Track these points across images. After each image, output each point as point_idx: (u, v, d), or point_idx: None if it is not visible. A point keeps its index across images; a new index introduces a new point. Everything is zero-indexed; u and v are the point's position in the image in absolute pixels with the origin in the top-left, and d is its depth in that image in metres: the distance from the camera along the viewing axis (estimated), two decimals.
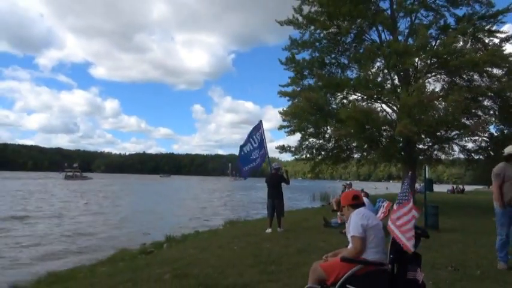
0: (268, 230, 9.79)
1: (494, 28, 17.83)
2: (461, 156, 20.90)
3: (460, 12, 18.78)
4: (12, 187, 43.51)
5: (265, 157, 11.13)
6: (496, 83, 16.84)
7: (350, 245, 3.31)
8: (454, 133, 17.86)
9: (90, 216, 19.33)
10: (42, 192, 36.78)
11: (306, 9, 18.60)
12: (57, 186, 50.31)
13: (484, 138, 18.56)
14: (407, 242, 2.94)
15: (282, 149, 20.27)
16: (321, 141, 20.15)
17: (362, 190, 12.00)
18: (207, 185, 74.76)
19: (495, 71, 16.96)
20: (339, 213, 11.34)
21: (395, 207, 3.26)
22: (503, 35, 17.57)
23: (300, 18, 18.70)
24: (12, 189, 38.62)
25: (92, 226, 15.62)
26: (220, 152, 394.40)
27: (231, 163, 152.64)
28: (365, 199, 6.40)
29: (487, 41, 17.78)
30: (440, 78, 19.37)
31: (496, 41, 17.55)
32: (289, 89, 19.99)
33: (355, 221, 3.24)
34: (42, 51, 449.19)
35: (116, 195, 36.25)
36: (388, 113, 19.03)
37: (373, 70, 18.22)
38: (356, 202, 3.47)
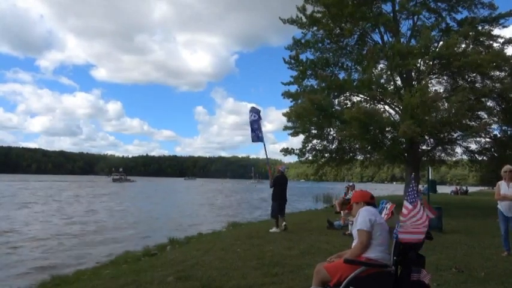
0: (274, 230, 9.88)
1: (496, 30, 17.90)
2: (465, 157, 20.89)
3: (463, 14, 18.82)
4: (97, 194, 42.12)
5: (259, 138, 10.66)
6: (498, 84, 16.83)
7: (355, 241, 3.33)
8: (457, 134, 17.82)
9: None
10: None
11: (309, 9, 18.62)
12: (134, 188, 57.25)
13: (488, 139, 18.53)
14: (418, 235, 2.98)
15: (286, 151, 20.26)
16: (324, 143, 20.17)
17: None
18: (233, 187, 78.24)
19: (497, 72, 16.95)
20: (342, 214, 11.33)
21: (404, 210, 3.20)
22: (506, 37, 17.61)
23: (304, 18, 18.72)
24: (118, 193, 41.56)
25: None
26: (223, 154, 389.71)
27: (254, 166, 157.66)
28: None
29: (488, 44, 17.80)
30: (443, 79, 19.36)
31: (496, 45, 17.58)
32: (292, 89, 20.00)
33: (364, 216, 3.30)
34: (44, 53, 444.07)
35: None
36: (391, 114, 19.03)
37: (376, 71, 18.22)
38: (372, 201, 3.57)
